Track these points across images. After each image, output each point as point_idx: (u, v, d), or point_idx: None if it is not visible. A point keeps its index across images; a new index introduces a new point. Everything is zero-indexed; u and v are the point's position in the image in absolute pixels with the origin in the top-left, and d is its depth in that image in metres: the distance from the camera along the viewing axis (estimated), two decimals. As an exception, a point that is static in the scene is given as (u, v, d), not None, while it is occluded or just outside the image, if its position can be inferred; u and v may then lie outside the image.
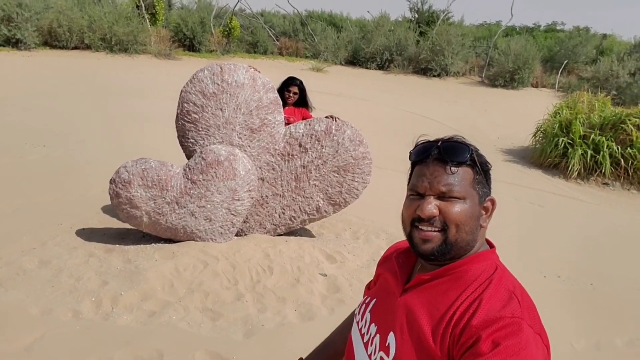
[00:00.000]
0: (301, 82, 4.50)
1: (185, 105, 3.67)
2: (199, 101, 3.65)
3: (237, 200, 3.69)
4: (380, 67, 19.13)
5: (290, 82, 4.47)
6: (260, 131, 3.80)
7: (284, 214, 4.03)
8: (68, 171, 5.42)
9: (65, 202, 4.55)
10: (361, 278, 3.56)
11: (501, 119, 11.70)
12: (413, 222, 1.00)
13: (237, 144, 3.76)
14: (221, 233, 3.75)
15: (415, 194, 1.01)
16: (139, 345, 2.62)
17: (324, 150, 3.91)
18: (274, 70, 16.47)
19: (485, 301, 0.90)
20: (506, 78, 16.75)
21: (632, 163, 6.83)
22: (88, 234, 3.90)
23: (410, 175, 1.05)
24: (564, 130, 7.27)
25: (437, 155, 0.99)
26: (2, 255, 3.42)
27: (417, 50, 18.66)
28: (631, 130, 6.88)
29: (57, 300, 2.95)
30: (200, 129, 3.69)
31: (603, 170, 6.86)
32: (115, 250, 3.64)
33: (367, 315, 1.11)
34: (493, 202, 1.04)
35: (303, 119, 4.44)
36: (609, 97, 8.21)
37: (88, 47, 15.38)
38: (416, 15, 22.96)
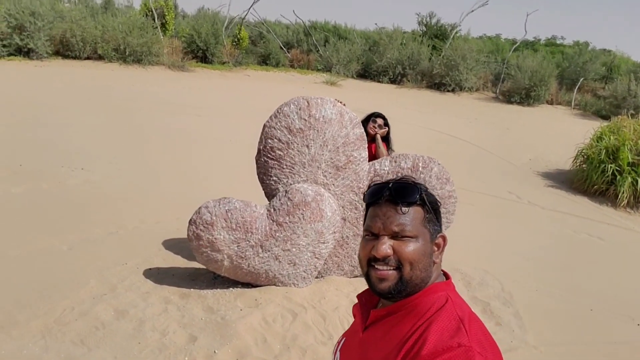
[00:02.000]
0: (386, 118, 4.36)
1: (269, 141, 3.43)
2: (285, 137, 3.41)
3: (323, 243, 3.45)
4: (393, 81, 18.96)
5: (377, 114, 4.30)
6: (346, 169, 3.57)
7: (363, 254, 3.79)
8: (112, 198, 5.13)
9: (121, 237, 4.27)
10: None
11: (527, 139, 11.54)
12: (369, 261, 1.03)
13: (322, 182, 3.52)
14: (304, 278, 3.50)
15: (370, 235, 1.05)
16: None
17: (408, 188, 3.68)
18: (288, 84, 16.27)
19: (433, 332, 0.92)
20: (522, 95, 16.63)
21: (681, 192, 6.68)
22: (156, 276, 3.63)
23: (365, 215, 1.09)
24: (611, 157, 7.10)
25: (388, 197, 1.03)
26: (73, 304, 3.14)
27: (430, 65, 18.53)
28: (681, 159, 6.73)
29: (149, 362, 2.68)
30: (285, 167, 3.45)
31: (653, 199, 6.70)
32: (192, 295, 3.37)
33: (338, 354, 1.16)
34: (444, 238, 1.08)
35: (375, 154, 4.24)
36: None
37: (101, 58, 15.09)
38: (424, 29, 22.92)
